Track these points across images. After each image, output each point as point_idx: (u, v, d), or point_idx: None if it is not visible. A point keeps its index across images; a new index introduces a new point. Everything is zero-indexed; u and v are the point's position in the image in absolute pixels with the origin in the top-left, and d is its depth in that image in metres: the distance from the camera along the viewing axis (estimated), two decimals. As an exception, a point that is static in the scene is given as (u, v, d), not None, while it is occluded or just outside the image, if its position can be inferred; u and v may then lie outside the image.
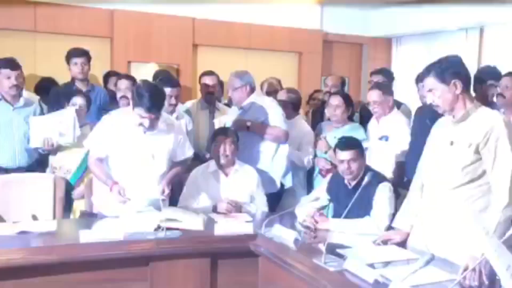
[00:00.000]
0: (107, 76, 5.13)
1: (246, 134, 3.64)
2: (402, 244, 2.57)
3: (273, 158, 3.78)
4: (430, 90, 2.38)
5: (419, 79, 3.50)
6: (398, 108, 4.08)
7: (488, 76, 3.71)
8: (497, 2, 7.11)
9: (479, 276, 2.03)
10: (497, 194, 2.22)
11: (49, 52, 6.16)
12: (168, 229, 2.67)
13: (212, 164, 3.40)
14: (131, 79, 4.19)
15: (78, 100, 3.62)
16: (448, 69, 2.33)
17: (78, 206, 3.46)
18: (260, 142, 3.75)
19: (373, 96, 3.85)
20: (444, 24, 8.02)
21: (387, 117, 3.81)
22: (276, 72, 6.81)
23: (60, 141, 3.50)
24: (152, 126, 2.87)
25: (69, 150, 3.52)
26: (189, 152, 3.19)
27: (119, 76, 4.45)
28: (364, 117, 4.24)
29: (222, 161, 3.33)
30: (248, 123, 3.70)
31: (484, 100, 3.31)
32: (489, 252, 1.36)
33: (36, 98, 4.09)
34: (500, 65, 4.02)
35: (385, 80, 4.42)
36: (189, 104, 4.56)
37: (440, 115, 2.54)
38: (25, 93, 3.89)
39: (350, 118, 4.08)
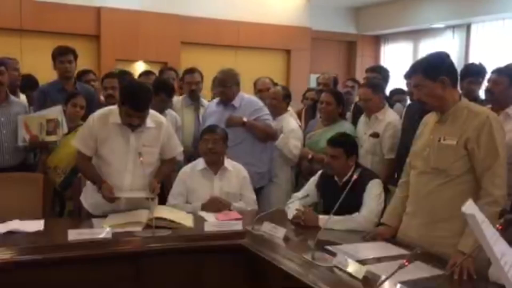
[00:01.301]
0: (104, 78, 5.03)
1: (234, 130, 3.67)
2: (391, 240, 2.58)
3: (262, 152, 3.87)
4: (416, 86, 2.40)
5: (407, 75, 3.52)
6: (392, 107, 4.11)
7: (469, 72, 3.75)
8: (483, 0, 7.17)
9: (467, 271, 2.06)
10: (485, 190, 2.24)
11: (35, 50, 6.11)
12: (157, 227, 2.65)
13: (200, 162, 3.39)
14: (125, 74, 4.17)
15: (78, 101, 3.59)
16: (436, 65, 2.35)
17: (67, 206, 3.44)
18: (249, 138, 3.79)
19: (363, 93, 3.88)
20: (432, 21, 8.07)
21: (378, 114, 3.83)
22: (265, 69, 6.81)
23: (47, 139, 3.47)
24: (140, 124, 2.85)
25: (64, 150, 3.49)
26: (178, 150, 3.17)
27: (105, 74, 4.42)
28: (357, 115, 4.26)
29: (209, 158, 3.32)
30: (245, 119, 3.76)
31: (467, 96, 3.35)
32: (484, 240, 1.36)
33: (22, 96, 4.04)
34: (486, 61, 4.05)
35: (379, 77, 4.44)
36: (174, 101, 4.56)
37: (428, 112, 2.56)
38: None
39: (342, 116, 4.09)
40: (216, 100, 4.08)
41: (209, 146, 3.31)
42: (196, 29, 7.11)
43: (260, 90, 4.62)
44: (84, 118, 3.51)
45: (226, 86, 3.85)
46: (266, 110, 3.96)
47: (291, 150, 3.98)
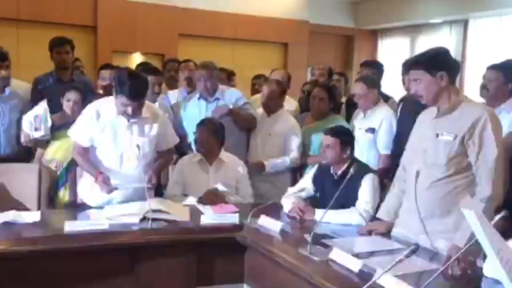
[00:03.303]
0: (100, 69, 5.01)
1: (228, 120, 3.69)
2: (387, 234, 2.60)
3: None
4: (415, 80, 2.40)
5: (406, 69, 3.52)
6: (386, 101, 4.10)
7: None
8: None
9: (462, 265, 2.07)
10: (481, 186, 2.25)
11: (32, 40, 6.08)
12: (154, 220, 2.66)
13: (198, 154, 3.40)
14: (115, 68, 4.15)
15: (72, 95, 3.58)
16: (436, 60, 2.35)
17: (63, 197, 3.43)
18: (234, 130, 3.80)
19: (357, 89, 3.86)
20: (429, 17, 8.07)
21: (373, 109, 3.83)
22: (262, 62, 6.82)
23: (35, 135, 3.48)
24: (136, 113, 2.84)
25: (61, 143, 3.48)
26: (174, 141, 3.17)
27: (102, 65, 4.41)
28: (350, 108, 4.25)
29: (204, 150, 3.34)
30: (230, 106, 3.79)
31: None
32: (481, 235, 1.38)
33: (26, 85, 4.01)
34: (483, 58, 4.06)
35: (374, 72, 4.43)
36: (170, 92, 4.58)
37: (425, 107, 2.57)
38: (15, 82, 3.84)
39: (335, 110, 4.08)
40: (194, 95, 4.01)
41: (203, 138, 3.32)
42: (194, 21, 7.09)
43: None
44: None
45: (210, 80, 3.83)
46: (246, 99, 4.02)
47: (286, 165, 3.82)
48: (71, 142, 3.14)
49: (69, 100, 3.54)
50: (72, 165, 3.34)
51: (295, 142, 3.81)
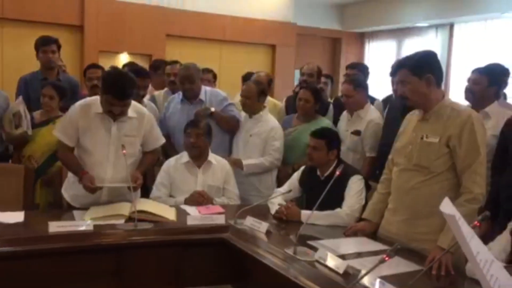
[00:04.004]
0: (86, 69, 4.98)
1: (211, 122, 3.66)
2: (372, 235, 2.62)
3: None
4: (402, 82, 2.42)
5: (393, 71, 3.55)
6: (372, 103, 4.13)
7: None
8: (466, 0, 7.25)
9: (445, 266, 2.09)
10: (465, 188, 2.28)
11: (17, 39, 6.02)
12: (139, 220, 2.64)
13: (184, 155, 3.39)
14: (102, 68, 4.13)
15: (48, 91, 3.54)
16: (423, 63, 2.37)
17: (42, 196, 3.41)
18: (218, 132, 3.78)
19: (345, 90, 3.88)
20: (415, 20, 8.15)
21: (360, 111, 3.85)
22: (250, 64, 6.81)
23: (16, 132, 3.44)
24: (122, 113, 2.83)
25: (40, 140, 3.45)
26: (160, 141, 3.15)
27: (88, 65, 4.37)
28: (337, 110, 4.26)
29: (191, 152, 3.32)
30: (212, 109, 3.78)
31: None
32: (460, 237, 1.39)
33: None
34: (468, 61, 4.11)
35: (360, 74, 4.46)
36: (156, 93, 4.56)
37: (411, 109, 2.59)
38: None
39: (322, 112, 4.09)
40: (177, 96, 3.98)
41: (191, 140, 3.31)
42: (182, 22, 7.07)
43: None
44: (65, 109, 3.49)
45: (194, 82, 3.82)
46: (229, 100, 4.01)
47: (274, 163, 3.77)
48: (50, 139, 3.11)
49: (45, 95, 3.52)
50: (51, 162, 3.32)
51: (275, 144, 3.73)
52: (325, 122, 3.90)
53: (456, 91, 6.88)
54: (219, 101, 3.89)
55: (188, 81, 3.80)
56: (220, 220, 2.78)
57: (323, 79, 5.11)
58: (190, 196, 3.20)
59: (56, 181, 3.37)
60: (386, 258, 1.69)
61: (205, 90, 3.93)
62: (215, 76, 5.15)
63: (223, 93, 4.06)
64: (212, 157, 3.40)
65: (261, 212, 2.94)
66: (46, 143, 3.41)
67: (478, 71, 3.39)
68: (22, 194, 3.24)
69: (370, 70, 4.99)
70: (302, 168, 3.23)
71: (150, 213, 2.74)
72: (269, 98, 4.56)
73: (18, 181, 3.24)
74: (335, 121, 4.16)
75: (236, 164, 3.65)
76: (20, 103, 3.50)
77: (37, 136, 3.48)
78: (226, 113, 3.88)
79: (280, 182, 3.69)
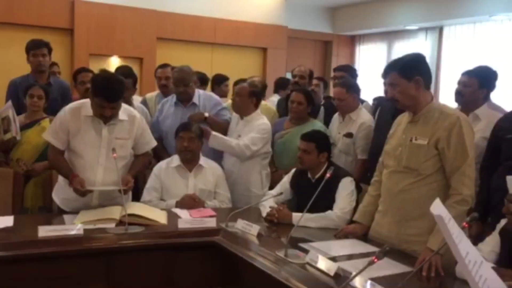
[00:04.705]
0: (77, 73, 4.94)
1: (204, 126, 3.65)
2: (363, 237, 2.63)
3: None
4: (391, 84, 2.44)
5: (384, 73, 3.57)
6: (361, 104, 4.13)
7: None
8: (456, 3, 7.31)
9: (435, 267, 2.11)
10: (454, 189, 2.29)
11: (7, 43, 5.98)
12: (130, 224, 2.63)
13: (175, 159, 3.38)
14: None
15: (35, 91, 3.52)
16: (412, 65, 2.39)
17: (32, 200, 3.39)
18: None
19: (338, 93, 3.88)
20: (405, 23, 8.20)
21: (352, 114, 3.85)
22: (241, 67, 6.81)
23: (5, 138, 3.41)
24: (112, 116, 2.82)
25: (27, 142, 3.43)
26: (151, 144, 3.14)
27: (78, 69, 4.35)
28: (329, 113, 4.26)
29: (183, 156, 3.32)
30: (206, 114, 3.77)
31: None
32: (449, 238, 1.40)
33: None
34: (457, 64, 4.13)
35: (348, 77, 4.46)
36: (148, 96, 4.55)
37: (401, 112, 2.60)
38: None
39: (314, 114, 4.09)
40: (171, 99, 3.95)
41: (184, 144, 3.30)
42: (173, 25, 7.06)
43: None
44: (51, 112, 3.46)
45: (188, 85, 3.80)
46: (223, 104, 4.02)
47: (242, 149, 3.56)
48: (37, 141, 3.09)
49: (32, 96, 3.49)
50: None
51: (253, 134, 3.60)
52: (318, 124, 3.90)
53: (446, 93, 6.94)
54: (212, 105, 3.88)
55: (183, 84, 3.79)
56: (211, 223, 2.78)
57: (315, 81, 5.12)
58: (181, 199, 3.19)
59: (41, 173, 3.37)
60: (375, 260, 1.70)
61: (199, 94, 3.92)
62: (201, 80, 5.12)
63: (217, 97, 4.05)
64: (204, 160, 3.40)
65: (253, 215, 2.94)
66: (34, 146, 3.39)
67: (468, 74, 3.40)
68: (11, 198, 3.20)
69: (361, 72, 5.00)
70: (293, 170, 3.24)
71: (141, 217, 2.73)
72: (262, 102, 4.55)
73: (7, 185, 3.21)
74: (326, 122, 4.16)
75: (205, 133, 3.54)
76: (9, 108, 3.46)
77: (23, 138, 3.45)
78: (220, 117, 3.87)
79: (274, 186, 3.66)
